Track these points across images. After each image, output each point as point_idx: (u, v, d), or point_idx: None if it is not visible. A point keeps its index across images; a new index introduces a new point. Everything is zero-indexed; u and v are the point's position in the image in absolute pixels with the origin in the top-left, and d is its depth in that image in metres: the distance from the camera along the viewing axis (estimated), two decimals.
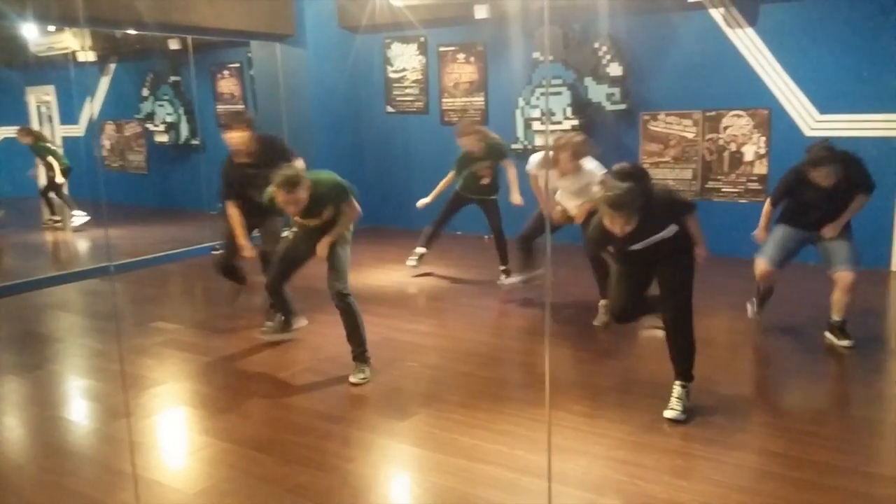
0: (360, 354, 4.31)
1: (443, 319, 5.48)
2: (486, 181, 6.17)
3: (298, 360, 4.65)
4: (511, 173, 6.10)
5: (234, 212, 4.96)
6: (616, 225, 3.39)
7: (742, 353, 4.71)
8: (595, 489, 2.97)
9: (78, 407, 4.22)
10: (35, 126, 10.78)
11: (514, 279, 5.75)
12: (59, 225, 9.44)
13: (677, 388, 3.65)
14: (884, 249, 6.27)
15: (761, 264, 4.63)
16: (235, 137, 4.97)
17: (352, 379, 4.22)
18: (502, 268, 6.23)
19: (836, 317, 4.53)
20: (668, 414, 3.57)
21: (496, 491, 2.99)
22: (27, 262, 8.42)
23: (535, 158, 5.36)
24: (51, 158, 9.19)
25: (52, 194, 9.41)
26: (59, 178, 9.21)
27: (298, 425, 3.69)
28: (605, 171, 5.18)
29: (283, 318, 4.90)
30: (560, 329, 5.03)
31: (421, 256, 6.63)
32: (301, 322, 4.94)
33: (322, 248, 4.31)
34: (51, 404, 4.22)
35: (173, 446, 3.63)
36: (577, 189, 5.04)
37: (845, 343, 4.49)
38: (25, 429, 3.90)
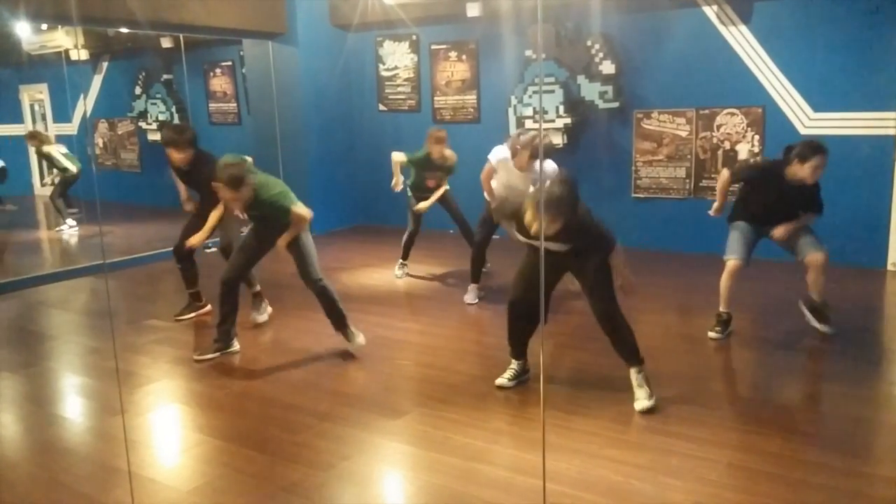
0: (343, 324, 4.59)
1: (436, 318, 5.48)
2: (431, 185, 6.39)
3: (292, 359, 4.64)
4: (442, 190, 6.39)
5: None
6: (543, 222, 3.45)
7: (735, 352, 4.72)
8: (589, 488, 2.98)
9: (72, 404, 4.22)
10: (28, 124, 10.74)
11: (472, 297, 5.79)
12: (77, 217, 9.41)
13: (637, 377, 3.74)
14: (880, 248, 6.28)
15: (732, 262, 4.69)
16: (174, 157, 5.15)
17: (352, 347, 4.57)
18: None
19: (815, 297, 4.65)
20: (640, 406, 3.65)
21: (490, 490, 3.00)
22: (22, 259, 8.40)
23: (499, 151, 5.40)
24: (63, 162, 9.19)
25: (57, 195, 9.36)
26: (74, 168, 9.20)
27: (292, 423, 3.69)
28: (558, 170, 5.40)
29: (217, 333, 4.67)
30: (554, 328, 5.03)
31: (404, 266, 6.71)
32: (235, 345, 4.75)
33: (282, 242, 4.45)
34: (45, 401, 4.21)
35: (167, 444, 3.63)
36: (526, 184, 5.24)
37: (825, 329, 4.62)
38: (20, 426, 3.90)
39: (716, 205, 4.92)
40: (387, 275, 6.69)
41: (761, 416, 3.65)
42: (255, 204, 4.39)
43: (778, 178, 4.50)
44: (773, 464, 3.13)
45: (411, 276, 6.61)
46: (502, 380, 4.04)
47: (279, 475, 3.17)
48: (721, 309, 4.77)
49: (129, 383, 4.27)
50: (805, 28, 6.32)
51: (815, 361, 4.43)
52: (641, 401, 3.66)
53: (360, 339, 4.64)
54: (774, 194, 4.56)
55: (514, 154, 5.21)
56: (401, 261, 6.66)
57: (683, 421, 3.55)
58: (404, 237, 6.57)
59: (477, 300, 5.75)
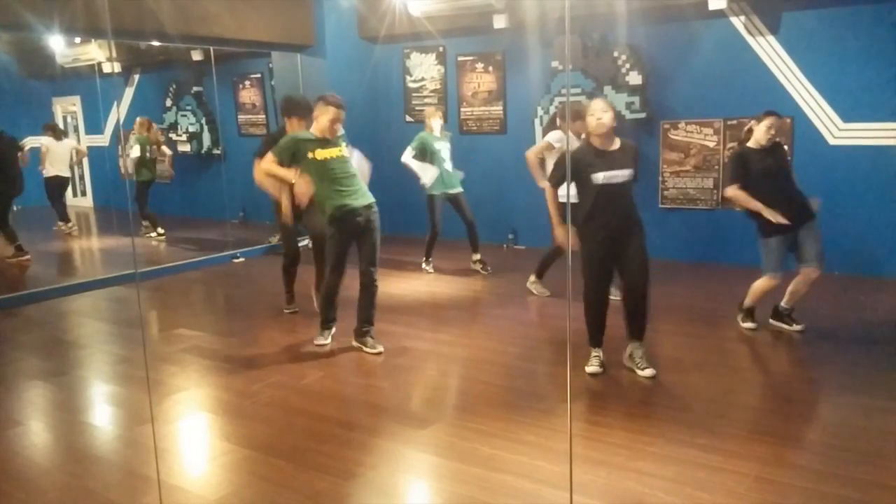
0: (366, 331, 4.89)
1: (463, 328, 5.48)
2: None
3: (318, 368, 4.67)
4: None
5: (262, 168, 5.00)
6: (602, 117, 4.02)
7: (762, 364, 4.67)
8: (616, 500, 2.96)
9: (102, 412, 4.27)
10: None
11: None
12: (162, 237, 9.52)
13: (641, 350, 4.22)
14: None
15: (776, 280, 4.79)
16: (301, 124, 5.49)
17: (378, 349, 4.81)
18: (477, 257, 7.04)
19: (787, 304, 4.83)
20: (648, 373, 4.13)
21: (516, 501, 2.99)
22: (54, 269, 8.55)
23: (555, 134, 5.84)
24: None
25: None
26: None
27: (318, 433, 3.71)
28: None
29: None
30: (581, 339, 5.00)
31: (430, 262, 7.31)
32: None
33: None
34: (76, 409, 4.27)
35: (195, 452, 3.67)
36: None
37: (798, 328, 4.81)
38: (51, 433, 3.96)
39: (769, 214, 4.63)
40: (413, 284, 6.71)
41: (791, 428, 3.60)
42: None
43: (753, 156, 4.69)
44: (803, 477, 3.08)
45: (437, 286, 6.62)
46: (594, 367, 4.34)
47: (305, 484, 3.18)
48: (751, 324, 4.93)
49: (158, 392, 4.32)
50: (834, 38, 6.25)
51: (845, 373, 4.34)
52: (649, 369, 4.15)
53: (379, 347, 4.86)
54: (762, 170, 4.67)
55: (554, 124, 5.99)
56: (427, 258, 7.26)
57: (711, 433, 3.50)
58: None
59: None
